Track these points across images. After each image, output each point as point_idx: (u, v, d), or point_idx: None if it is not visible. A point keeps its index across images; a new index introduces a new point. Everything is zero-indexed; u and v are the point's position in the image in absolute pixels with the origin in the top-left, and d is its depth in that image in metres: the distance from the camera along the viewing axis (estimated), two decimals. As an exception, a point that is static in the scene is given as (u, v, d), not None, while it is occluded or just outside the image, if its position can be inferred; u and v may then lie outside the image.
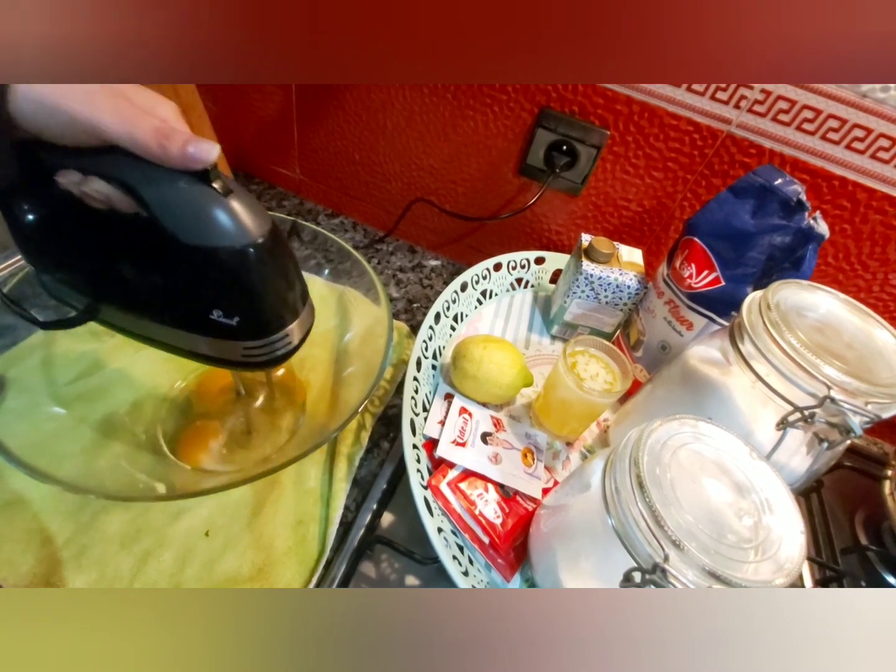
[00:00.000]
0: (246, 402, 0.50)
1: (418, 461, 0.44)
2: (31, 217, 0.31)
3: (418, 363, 0.50)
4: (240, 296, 0.31)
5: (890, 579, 0.53)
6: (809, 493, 0.58)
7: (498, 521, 0.44)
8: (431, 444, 0.48)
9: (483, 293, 0.64)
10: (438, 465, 0.47)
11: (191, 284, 0.31)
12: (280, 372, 0.53)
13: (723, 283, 0.48)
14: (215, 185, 0.27)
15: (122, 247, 0.32)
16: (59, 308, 0.35)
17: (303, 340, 0.36)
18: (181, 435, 0.47)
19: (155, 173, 0.26)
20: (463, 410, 0.51)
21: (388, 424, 0.55)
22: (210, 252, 0.28)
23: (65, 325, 0.34)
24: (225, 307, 0.31)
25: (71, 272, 0.33)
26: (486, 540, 0.43)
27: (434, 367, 0.55)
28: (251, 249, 0.29)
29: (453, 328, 0.60)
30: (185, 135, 0.26)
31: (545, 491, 0.48)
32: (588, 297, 0.58)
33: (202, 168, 0.27)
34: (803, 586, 0.51)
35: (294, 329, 0.34)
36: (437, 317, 0.56)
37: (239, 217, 0.28)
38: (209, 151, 0.26)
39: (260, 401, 0.50)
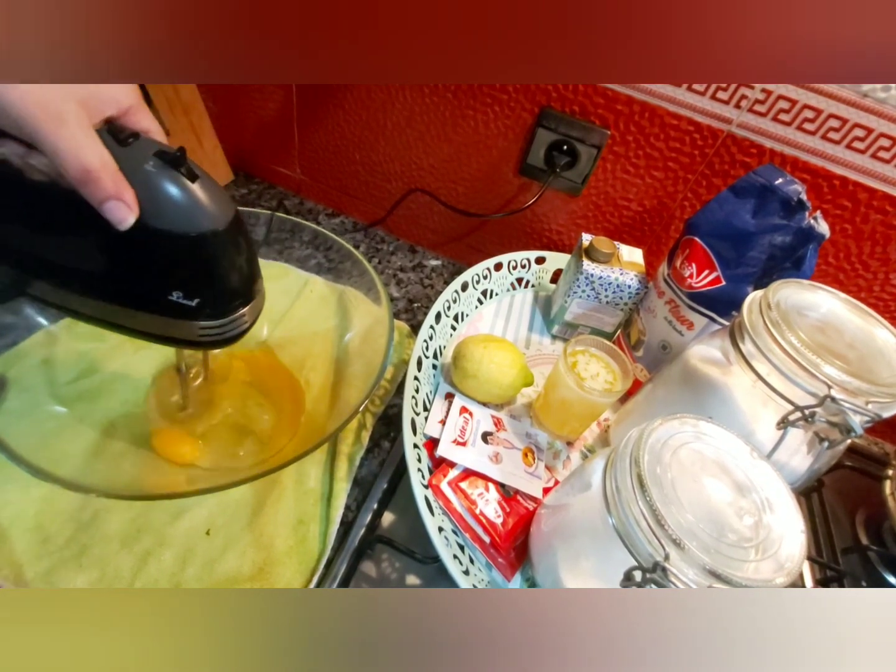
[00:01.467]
0: (186, 379, 0.49)
1: (419, 460, 0.44)
2: None
3: (419, 363, 0.50)
4: (203, 279, 0.32)
5: (890, 579, 0.53)
6: (810, 493, 0.58)
7: (499, 521, 0.44)
8: (432, 443, 0.48)
9: (484, 293, 0.64)
10: (439, 464, 0.47)
11: (151, 266, 0.31)
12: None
13: (723, 283, 0.48)
14: (181, 170, 0.28)
15: (67, 222, 0.31)
16: None
17: (254, 322, 0.37)
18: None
19: (117, 154, 0.26)
20: (463, 410, 0.51)
21: (388, 424, 0.55)
22: (176, 236, 0.29)
23: None
24: (186, 289, 0.31)
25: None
26: (486, 539, 0.43)
27: (435, 367, 0.55)
28: (216, 235, 0.30)
29: (454, 328, 0.60)
30: (107, 190, 0.26)
31: (546, 490, 0.48)
32: (588, 296, 0.58)
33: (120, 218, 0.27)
34: (804, 586, 0.51)
35: (248, 311, 0.35)
36: (438, 316, 0.56)
37: (205, 204, 0.29)
38: (123, 218, 0.27)
39: (199, 380, 0.49)
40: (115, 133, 0.27)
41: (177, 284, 0.31)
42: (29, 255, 0.32)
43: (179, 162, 0.28)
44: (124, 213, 0.27)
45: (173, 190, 0.28)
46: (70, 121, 0.25)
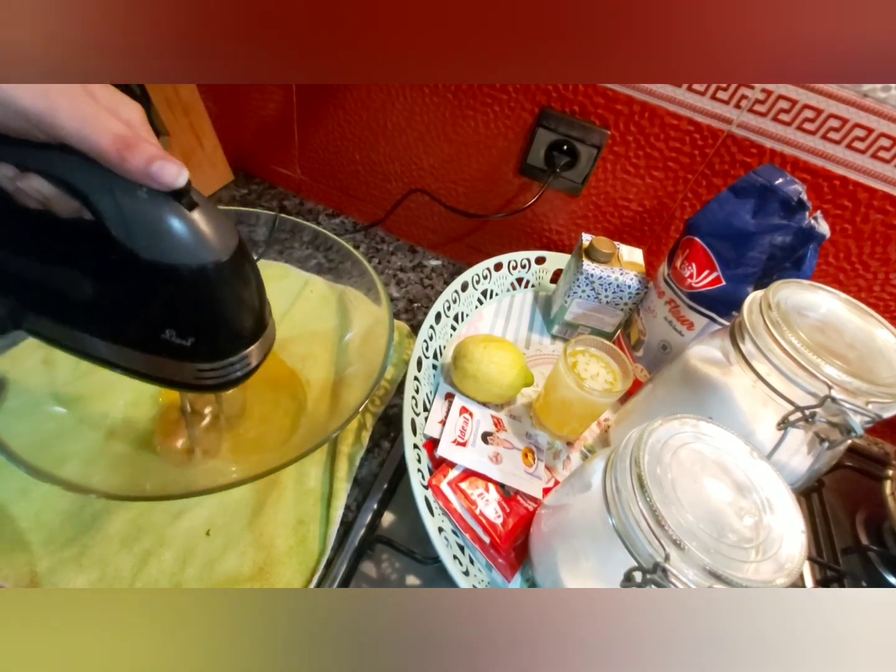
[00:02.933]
0: (193, 420, 0.47)
1: (419, 461, 0.44)
2: None
3: (419, 363, 0.50)
4: (197, 316, 0.29)
5: (891, 579, 0.53)
6: (810, 493, 0.58)
7: (499, 521, 0.44)
8: (432, 443, 0.48)
9: (484, 293, 0.64)
10: (439, 464, 0.47)
11: (141, 300, 0.29)
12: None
13: (723, 283, 0.48)
14: (180, 199, 0.25)
15: (56, 252, 0.29)
16: None
17: (262, 361, 0.34)
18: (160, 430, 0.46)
19: (111, 180, 0.24)
20: (463, 410, 0.51)
21: (388, 424, 0.55)
22: (167, 268, 0.26)
23: None
24: (178, 327, 0.29)
25: None
26: (486, 539, 0.43)
27: (435, 367, 0.55)
28: (212, 268, 0.27)
29: (454, 328, 0.60)
30: (151, 149, 0.24)
31: (546, 491, 0.48)
32: (589, 296, 0.58)
33: (165, 190, 0.24)
34: (804, 586, 0.51)
35: (254, 351, 0.32)
36: (438, 316, 0.56)
37: (202, 233, 0.26)
38: (176, 175, 0.24)
39: (207, 420, 0.47)
40: None
41: (169, 321, 0.28)
42: (19, 287, 0.30)
43: (181, 193, 0.25)
44: (176, 169, 0.24)
45: (168, 219, 0.25)
46: (83, 96, 0.24)
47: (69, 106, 0.23)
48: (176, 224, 0.25)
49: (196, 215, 0.26)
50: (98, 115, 0.24)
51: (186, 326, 0.29)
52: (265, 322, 0.33)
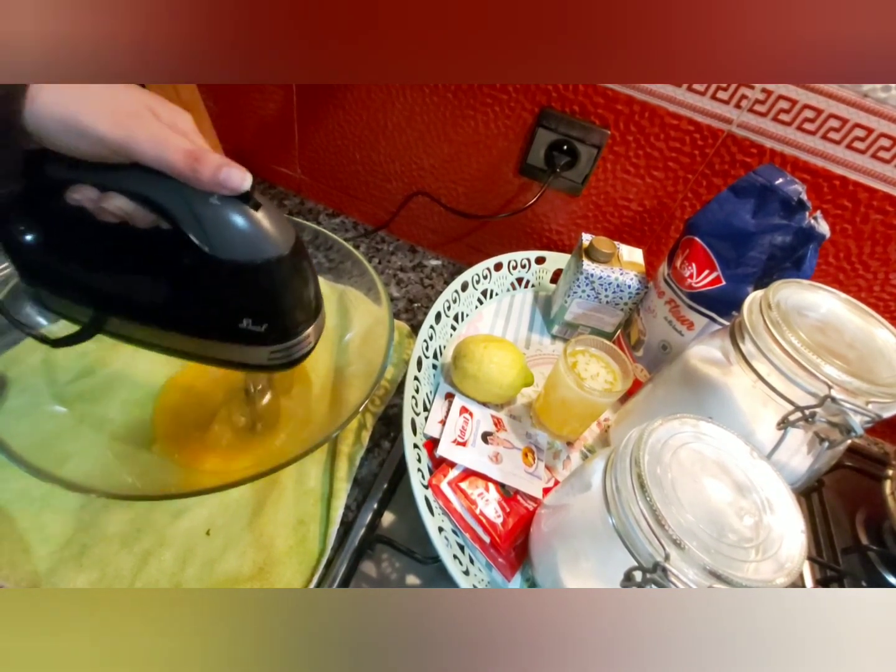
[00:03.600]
0: (254, 398, 0.50)
1: (419, 460, 0.44)
2: (30, 233, 0.31)
3: (419, 363, 0.50)
4: (269, 305, 0.32)
5: (891, 579, 0.53)
6: (810, 493, 0.58)
7: (499, 521, 0.44)
8: (432, 443, 0.48)
9: (484, 293, 0.64)
10: (439, 464, 0.47)
11: (220, 296, 0.32)
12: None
13: (723, 283, 0.48)
14: (248, 202, 0.28)
15: (138, 260, 0.32)
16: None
17: (318, 340, 0.37)
18: (186, 439, 0.47)
19: (185, 191, 0.27)
20: (463, 410, 0.51)
21: (388, 424, 0.55)
22: (243, 266, 0.29)
23: (73, 341, 0.35)
24: (255, 316, 0.32)
25: (74, 286, 0.33)
26: (486, 539, 0.43)
27: (435, 367, 0.55)
28: (281, 261, 0.30)
29: (454, 328, 0.60)
30: (217, 160, 0.26)
31: (546, 490, 0.48)
32: (589, 296, 0.58)
33: (234, 195, 0.27)
34: (804, 586, 0.51)
35: (313, 330, 0.35)
36: (438, 316, 0.56)
37: (270, 231, 0.29)
38: (242, 180, 0.27)
39: (267, 398, 0.51)
40: None
41: (246, 312, 0.32)
42: (105, 295, 0.33)
43: (247, 196, 0.28)
44: (240, 174, 0.26)
45: (239, 220, 0.28)
46: (148, 117, 0.26)
47: (144, 132, 0.25)
48: (246, 225, 0.28)
49: (261, 215, 0.29)
50: (168, 136, 0.26)
51: (260, 314, 0.32)
52: (321, 305, 0.36)
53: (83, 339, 0.34)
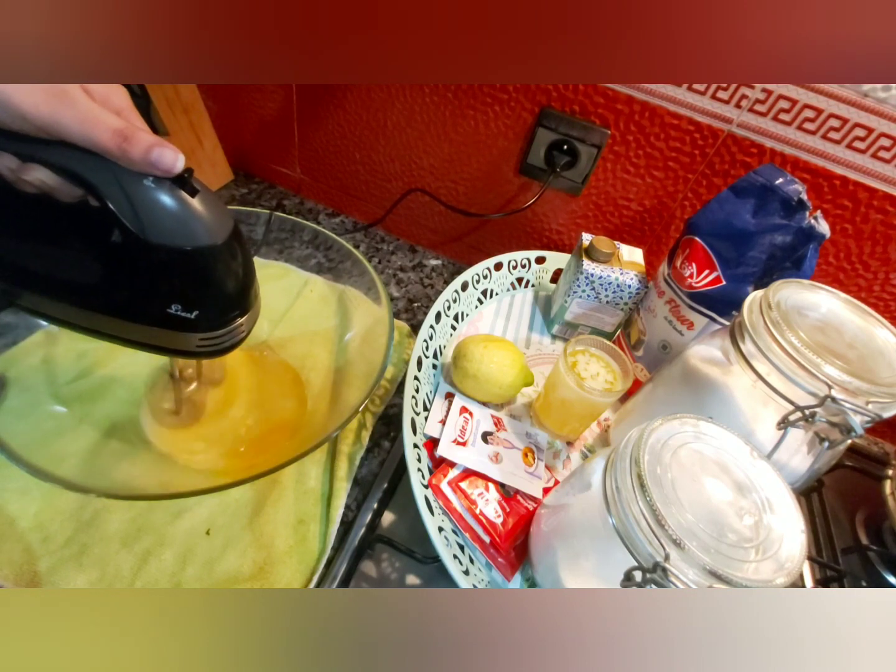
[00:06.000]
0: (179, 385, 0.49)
1: (419, 460, 0.44)
2: None
3: (419, 362, 0.50)
4: (201, 292, 0.32)
5: (891, 579, 0.53)
6: (810, 493, 0.58)
7: (498, 521, 0.44)
8: (432, 443, 0.48)
9: (484, 292, 0.64)
10: (439, 464, 0.47)
11: (150, 279, 0.31)
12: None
13: (724, 283, 0.48)
14: (184, 186, 0.27)
15: (59, 235, 0.31)
16: None
17: (250, 331, 0.37)
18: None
19: (115, 169, 0.26)
20: (463, 410, 0.51)
21: (388, 424, 0.55)
22: (173, 251, 0.29)
23: None
24: (185, 301, 0.31)
25: None
26: (486, 539, 0.43)
27: (435, 367, 0.55)
28: (214, 249, 0.30)
29: (454, 327, 0.60)
30: (148, 138, 0.25)
31: (546, 490, 0.48)
32: (589, 296, 0.58)
33: (167, 176, 0.26)
34: (804, 586, 0.51)
35: (245, 321, 0.35)
36: (438, 316, 0.56)
37: (204, 218, 0.29)
38: (174, 161, 0.26)
39: (193, 385, 0.49)
40: None
41: (176, 297, 0.31)
42: (23, 268, 0.32)
43: (184, 181, 0.27)
44: (173, 155, 0.26)
45: (171, 204, 0.27)
46: (78, 96, 0.25)
47: (70, 110, 0.24)
48: (179, 209, 0.28)
49: (197, 201, 0.28)
50: (97, 114, 0.25)
51: (191, 301, 0.31)
52: (255, 296, 0.36)
53: None
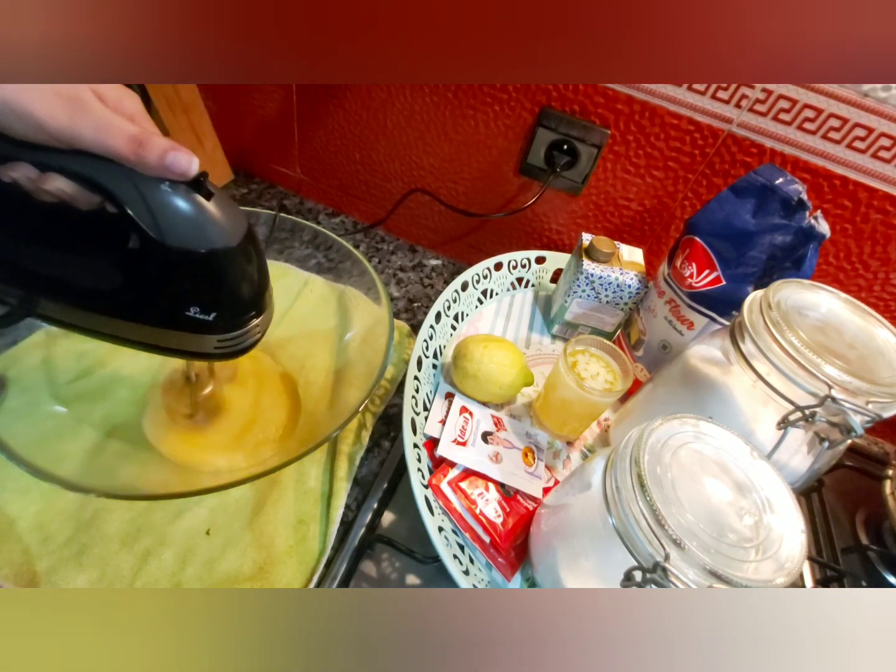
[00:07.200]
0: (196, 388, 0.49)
1: (419, 460, 0.44)
2: None
3: (419, 362, 0.50)
4: (220, 294, 0.32)
5: (891, 579, 0.53)
6: (810, 493, 0.58)
7: (498, 521, 0.44)
8: (432, 443, 0.48)
9: (484, 292, 0.64)
10: (439, 464, 0.47)
11: (167, 283, 0.31)
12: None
13: (724, 283, 0.48)
14: (199, 190, 0.28)
15: (78, 242, 0.32)
16: None
17: (265, 332, 0.37)
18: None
19: (133, 176, 0.26)
20: (463, 410, 0.51)
21: (388, 424, 0.55)
22: (190, 254, 0.29)
23: (2, 324, 0.33)
24: (203, 304, 0.32)
25: (4, 265, 0.32)
26: (486, 539, 0.43)
27: (435, 367, 0.55)
28: (229, 252, 0.30)
29: (454, 327, 0.60)
30: (163, 144, 0.25)
31: (546, 490, 0.48)
32: (589, 296, 0.58)
33: (181, 179, 0.27)
34: (804, 586, 0.51)
35: (261, 322, 0.35)
36: (438, 316, 0.56)
37: (219, 220, 0.29)
38: (189, 164, 0.26)
39: (209, 388, 0.50)
40: None
41: (194, 300, 0.31)
42: (43, 277, 0.32)
43: (199, 185, 0.28)
44: (187, 158, 0.26)
45: (187, 207, 0.28)
46: (93, 102, 0.25)
47: (85, 119, 0.24)
48: (195, 212, 0.28)
49: (211, 204, 0.28)
50: (112, 121, 0.25)
51: (209, 303, 0.32)
52: (270, 297, 0.36)
53: (11, 323, 0.33)
